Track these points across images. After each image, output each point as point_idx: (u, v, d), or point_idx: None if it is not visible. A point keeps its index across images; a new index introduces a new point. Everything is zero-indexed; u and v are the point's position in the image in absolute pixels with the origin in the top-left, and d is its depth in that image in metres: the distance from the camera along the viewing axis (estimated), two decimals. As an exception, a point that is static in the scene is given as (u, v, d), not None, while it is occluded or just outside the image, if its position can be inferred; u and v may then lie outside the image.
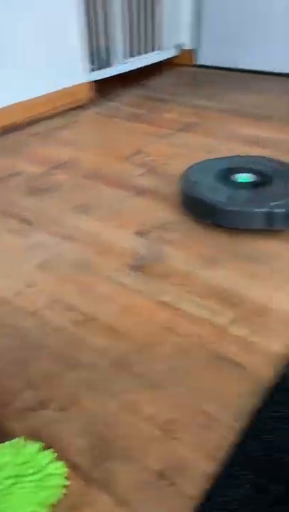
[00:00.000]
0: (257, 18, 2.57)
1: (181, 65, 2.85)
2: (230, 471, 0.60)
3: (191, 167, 1.32)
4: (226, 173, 1.27)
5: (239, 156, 1.44)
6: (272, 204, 1.11)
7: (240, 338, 0.83)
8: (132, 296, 0.93)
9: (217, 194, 1.17)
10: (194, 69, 2.82)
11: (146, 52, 2.60)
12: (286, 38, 2.52)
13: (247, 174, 1.26)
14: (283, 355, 0.79)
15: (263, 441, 0.64)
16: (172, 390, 0.73)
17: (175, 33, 2.79)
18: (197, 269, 1.02)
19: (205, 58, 2.82)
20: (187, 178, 1.26)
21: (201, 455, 0.64)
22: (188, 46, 2.84)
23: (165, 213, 1.24)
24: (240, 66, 2.70)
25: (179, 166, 1.52)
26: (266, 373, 0.76)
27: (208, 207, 1.15)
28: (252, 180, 1.24)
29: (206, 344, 0.81)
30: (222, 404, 0.71)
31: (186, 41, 2.83)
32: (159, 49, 2.70)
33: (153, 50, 2.65)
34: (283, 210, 1.10)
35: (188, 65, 2.86)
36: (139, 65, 2.50)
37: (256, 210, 1.11)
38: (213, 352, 0.80)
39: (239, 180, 1.24)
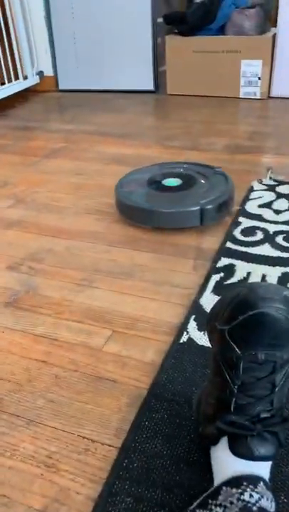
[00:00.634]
0: (107, 38, 2.69)
1: (46, 92, 2.88)
2: (110, 489, 0.62)
3: (121, 179, 1.40)
4: (154, 180, 1.38)
5: (162, 163, 1.54)
6: (201, 202, 1.21)
7: (115, 354, 0.85)
8: (5, 336, 0.91)
9: (151, 199, 1.27)
10: (59, 94, 2.87)
11: (7, 83, 2.58)
12: (136, 55, 2.68)
13: (173, 179, 1.37)
14: (157, 363, 0.83)
15: (139, 451, 0.66)
16: (51, 423, 0.73)
17: (35, 61, 2.81)
18: (71, 294, 1.03)
19: (67, 83, 2.88)
20: (121, 190, 1.33)
21: (83, 481, 0.64)
22: (49, 73, 2.88)
23: (36, 242, 1.24)
24: (100, 87, 2.80)
25: (47, 192, 1.54)
26: (142, 384, 0.79)
27: (147, 212, 1.24)
28: (179, 183, 1.35)
29: (81, 368, 0.82)
30: (101, 424, 0.72)
31: (46, 68, 2.87)
32: (20, 78, 2.69)
33: (13, 79, 2.64)
34: (212, 206, 1.21)
35: (52, 91, 2.90)
36: (0, 96, 2.47)
37: (190, 209, 1.21)
38: (89, 374, 0.81)
39: (167, 185, 1.35)
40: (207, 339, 0.85)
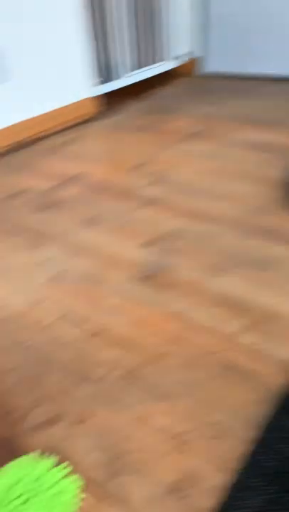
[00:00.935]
0: (256, 22, 2.58)
1: (187, 75, 2.88)
2: (243, 483, 0.60)
3: None
4: None
5: None
6: None
7: (250, 346, 0.83)
8: (141, 308, 0.94)
9: None
10: (200, 77, 2.84)
11: (151, 64, 2.63)
12: (286, 40, 2.53)
13: None
14: (294, 362, 0.78)
15: (274, 451, 0.63)
16: (183, 402, 0.73)
17: (179, 43, 2.81)
18: (206, 277, 1.02)
19: (211, 66, 2.84)
20: None
21: (213, 466, 0.64)
22: (193, 55, 2.86)
23: (173, 222, 1.25)
24: (247, 72, 2.71)
25: (185, 174, 1.54)
26: (276, 381, 0.75)
27: None
28: None
29: (215, 353, 0.81)
30: (233, 414, 0.71)
31: (191, 50, 2.85)
32: (164, 60, 2.73)
33: (158, 60, 2.68)
34: None
35: (194, 74, 2.88)
36: (145, 77, 2.53)
37: None
38: (223, 361, 0.80)
39: None
40: None
